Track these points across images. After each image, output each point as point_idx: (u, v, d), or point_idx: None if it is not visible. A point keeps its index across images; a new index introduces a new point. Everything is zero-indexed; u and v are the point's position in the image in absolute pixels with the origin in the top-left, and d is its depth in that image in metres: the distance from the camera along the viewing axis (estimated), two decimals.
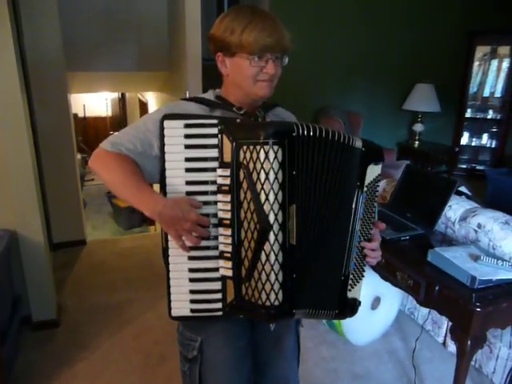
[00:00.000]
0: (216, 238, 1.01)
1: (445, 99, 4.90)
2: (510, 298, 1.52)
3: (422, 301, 1.71)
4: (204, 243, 1.00)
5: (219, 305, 1.03)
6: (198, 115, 1.06)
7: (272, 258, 0.95)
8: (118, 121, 9.17)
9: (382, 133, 4.99)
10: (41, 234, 2.27)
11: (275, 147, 0.92)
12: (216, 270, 1.02)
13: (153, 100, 5.27)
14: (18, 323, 2.27)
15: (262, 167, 0.93)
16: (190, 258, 1.02)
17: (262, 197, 0.94)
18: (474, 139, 5.51)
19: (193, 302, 1.03)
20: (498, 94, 5.26)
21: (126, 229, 6.40)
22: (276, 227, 0.94)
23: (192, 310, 1.03)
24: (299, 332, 1.38)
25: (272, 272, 0.96)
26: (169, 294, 1.04)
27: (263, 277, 0.96)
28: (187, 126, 0.99)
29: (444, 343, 2.30)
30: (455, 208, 2.08)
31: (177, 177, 0.99)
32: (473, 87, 5.30)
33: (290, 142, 0.94)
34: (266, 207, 0.94)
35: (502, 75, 5.18)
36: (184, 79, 3.57)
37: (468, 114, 5.35)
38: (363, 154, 1.05)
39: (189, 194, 0.99)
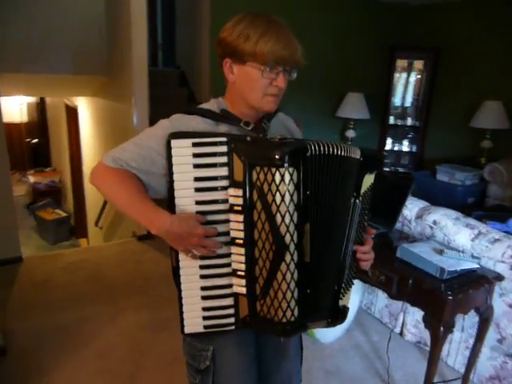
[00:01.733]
0: (228, 255, 1.01)
1: (373, 107, 5.28)
2: (474, 285, 1.69)
3: (394, 294, 1.84)
4: (216, 261, 1.01)
5: (232, 319, 1.05)
6: (205, 133, 1.03)
7: (288, 276, 0.97)
8: (37, 128, 8.49)
9: (317, 139, 5.22)
10: None
11: (291, 169, 0.91)
12: (228, 286, 1.03)
13: (84, 105, 4.98)
14: None
15: (278, 190, 0.92)
16: (202, 277, 1.02)
17: (278, 219, 0.94)
18: (396, 144, 5.99)
19: (206, 318, 1.04)
20: (407, 104, 5.80)
21: (53, 243, 5.98)
22: (292, 247, 0.96)
23: (205, 327, 1.04)
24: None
25: (288, 290, 0.98)
26: (181, 312, 1.03)
27: (279, 295, 0.98)
28: (195, 144, 0.96)
29: (401, 333, 2.48)
30: (410, 207, 2.27)
31: (186, 197, 0.98)
32: (394, 97, 5.77)
33: (303, 163, 0.94)
34: (282, 229, 0.94)
35: (410, 88, 5.72)
36: (128, 85, 3.45)
37: (391, 121, 5.82)
38: (360, 163, 1.04)
39: (199, 213, 0.97)
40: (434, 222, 2.11)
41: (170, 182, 0.97)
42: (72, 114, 5.69)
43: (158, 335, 2.40)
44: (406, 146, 5.95)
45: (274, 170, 0.91)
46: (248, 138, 0.98)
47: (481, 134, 4.77)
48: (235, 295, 1.03)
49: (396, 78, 5.65)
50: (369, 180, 1.08)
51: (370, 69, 5.37)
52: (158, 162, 1.01)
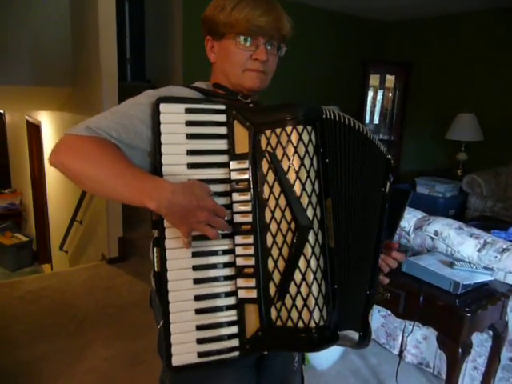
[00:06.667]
0: (230, 251, 0.81)
1: None
2: (491, 299, 1.54)
3: (402, 313, 1.67)
4: (215, 259, 0.80)
5: (235, 342, 0.81)
6: (200, 99, 0.88)
7: (313, 264, 0.78)
8: None
9: None
10: None
11: (309, 128, 0.79)
12: (230, 294, 0.81)
13: (48, 121, 4.67)
14: None
15: (296, 151, 0.78)
16: (197, 282, 0.79)
17: (298, 187, 0.78)
18: None
19: (201, 342, 0.79)
20: (382, 118, 5.79)
21: (14, 270, 5.53)
22: (315, 225, 0.78)
23: (200, 354, 0.79)
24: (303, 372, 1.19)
25: (315, 282, 0.78)
26: (167, 334, 0.78)
27: (303, 290, 0.78)
28: (189, 110, 0.80)
29: (400, 355, 2.30)
30: (408, 218, 2.12)
31: (177, 174, 0.79)
32: (368, 111, 5.76)
33: (320, 124, 0.81)
34: (304, 200, 0.78)
35: (384, 102, 5.73)
36: (97, 97, 3.22)
37: None
38: (388, 162, 0.97)
39: None
40: (436, 233, 1.97)
41: (158, 155, 0.78)
42: (34, 130, 5.35)
43: (133, 369, 2.11)
44: None
45: (289, 128, 0.78)
46: (251, 105, 0.87)
47: (456, 147, 4.78)
48: (240, 306, 0.80)
49: (369, 91, 5.66)
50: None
51: (344, 83, 5.34)
52: (142, 133, 0.81)
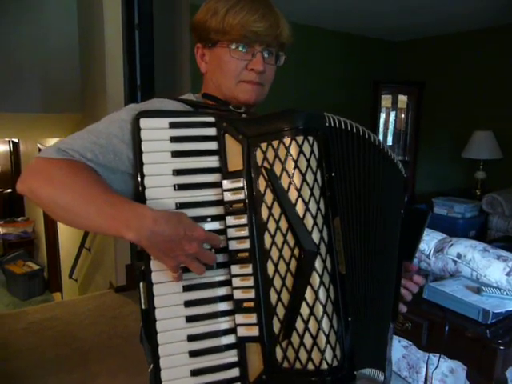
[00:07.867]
0: (226, 282, 0.71)
1: None
2: None
3: (425, 345, 1.52)
4: (210, 293, 0.71)
5: None
6: (186, 112, 0.79)
7: (322, 295, 0.68)
8: (10, 177, 8.12)
9: None
10: None
11: (310, 138, 0.70)
12: (229, 332, 0.71)
13: None
14: None
15: (297, 166, 0.69)
16: (190, 320, 0.70)
17: (300, 207, 0.68)
18: None
19: None
20: (395, 138, 5.70)
21: (25, 298, 5.48)
22: (323, 249, 0.69)
23: None
24: None
25: (325, 316, 0.68)
26: (158, 382, 0.69)
27: (312, 326, 0.68)
28: (174, 125, 0.72)
29: None
30: (427, 240, 1.99)
31: (163, 198, 0.70)
32: (381, 132, 5.67)
33: (323, 133, 0.72)
34: (308, 221, 0.68)
35: (396, 122, 5.64)
36: None
37: None
38: (406, 181, 0.92)
39: None
40: (459, 256, 1.83)
41: (140, 177, 0.69)
42: None
43: None
44: None
45: (288, 140, 0.69)
46: (244, 115, 0.77)
47: (473, 165, 4.63)
48: (241, 344, 0.71)
49: (381, 112, 5.58)
50: None
51: (355, 104, 5.27)
52: (121, 153, 0.72)
